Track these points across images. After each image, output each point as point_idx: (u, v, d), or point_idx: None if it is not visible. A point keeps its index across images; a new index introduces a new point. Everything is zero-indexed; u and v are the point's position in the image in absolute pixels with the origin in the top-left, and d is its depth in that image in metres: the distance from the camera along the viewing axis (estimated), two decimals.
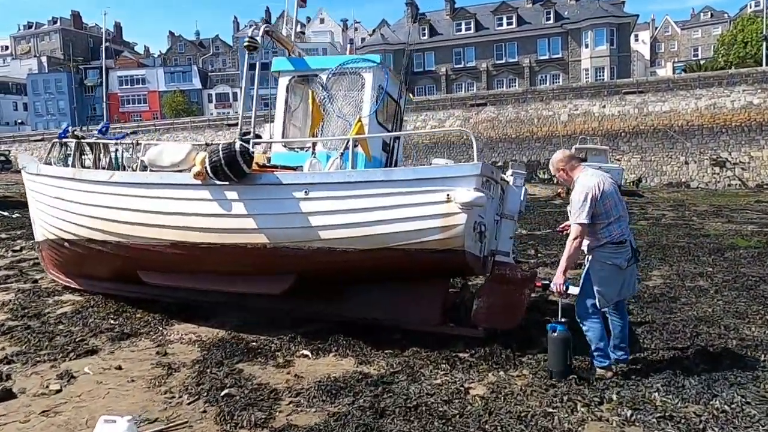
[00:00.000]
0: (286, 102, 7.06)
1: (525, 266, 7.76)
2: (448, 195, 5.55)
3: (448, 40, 67.43)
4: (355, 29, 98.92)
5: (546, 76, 63.91)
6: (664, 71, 79.62)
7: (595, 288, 5.15)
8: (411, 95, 8.63)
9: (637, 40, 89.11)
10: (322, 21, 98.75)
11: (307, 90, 6.98)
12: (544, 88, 46.52)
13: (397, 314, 6.47)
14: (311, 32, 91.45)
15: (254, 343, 6.14)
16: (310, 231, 5.86)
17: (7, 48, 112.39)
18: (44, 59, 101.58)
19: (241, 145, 5.78)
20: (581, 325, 5.31)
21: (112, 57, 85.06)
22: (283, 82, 7.11)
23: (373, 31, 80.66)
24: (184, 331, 6.74)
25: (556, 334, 5.17)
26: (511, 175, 6.32)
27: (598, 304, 5.20)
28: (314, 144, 6.68)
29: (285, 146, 7.08)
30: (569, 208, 5.27)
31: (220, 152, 5.73)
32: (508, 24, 65.75)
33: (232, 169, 5.73)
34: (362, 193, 5.69)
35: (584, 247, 5.36)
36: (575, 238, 5.02)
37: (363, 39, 79.37)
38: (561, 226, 5.97)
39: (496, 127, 42.76)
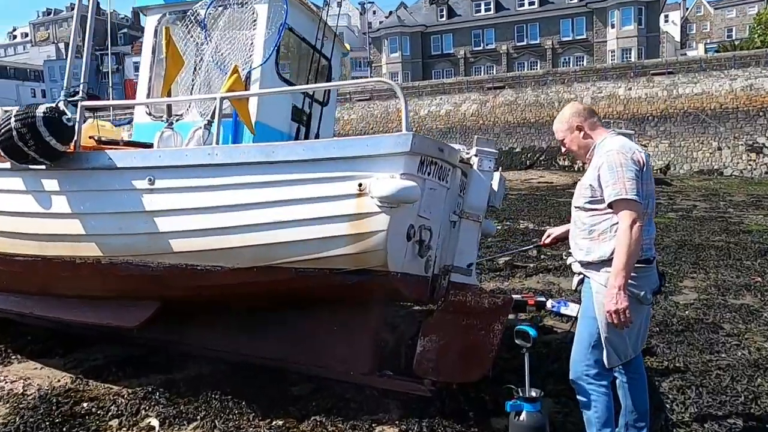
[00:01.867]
0: (154, 51, 5.03)
1: (496, 291, 5.75)
2: (360, 185, 3.52)
3: (466, 21, 64.60)
4: (373, 12, 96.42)
5: (569, 59, 60.83)
6: (696, 54, 75.81)
7: (603, 335, 3.10)
8: (347, 46, 6.53)
9: (666, 20, 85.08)
10: (339, 5, 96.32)
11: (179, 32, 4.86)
12: (566, 70, 43.91)
13: (307, 356, 4.48)
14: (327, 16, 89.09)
15: (87, 404, 4.18)
16: (158, 239, 3.88)
17: (26, 35, 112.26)
18: (62, 46, 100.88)
19: (47, 108, 3.79)
20: (577, 395, 3.27)
21: (129, 43, 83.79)
22: (152, 22, 5.08)
23: (390, 13, 78.07)
24: (16, 372, 4.83)
25: (522, 419, 3.11)
26: (475, 156, 4.25)
27: (606, 361, 3.15)
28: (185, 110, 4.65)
29: (150, 113, 5.05)
30: (580, 188, 3.28)
31: (13, 120, 3.73)
32: (530, 4, 62.59)
33: (35, 145, 3.74)
34: (229, 181, 3.68)
35: (576, 265, 3.33)
36: (633, 224, 2.94)
37: (380, 22, 76.92)
38: (549, 236, 3.92)
39: (514, 111, 40.43)
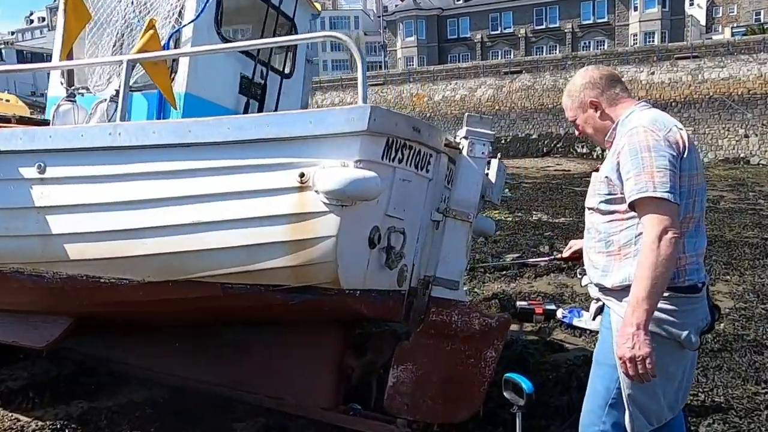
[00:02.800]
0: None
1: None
2: (301, 176, 2.64)
3: (484, 4, 62.94)
4: None
5: (589, 42, 59.12)
6: (722, 38, 73.48)
7: (626, 392, 2.21)
8: (317, 6, 5.43)
9: (692, 3, 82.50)
10: None
11: None
12: (586, 54, 42.60)
13: (258, 385, 3.64)
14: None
15: None
16: (51, 244, 3.03)
17: (43, 19, 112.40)
18: None
19: None
20: None
21: None
22: None
23: None
24: None
25: None
26: (465, 138, 3.34)
27: (629, 426, 2.24)
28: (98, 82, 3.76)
29: (65, 84, 4.15)
30: (594, 182, 2.41)
31: None
32: None
33: None
34: (135, 170, 2.82)
35: (592, 289, 2.44)
36: (662, 234, 2.06)
37: (396, 5, 75.49)
38: (570, 249, 3.02)
39: (531, 97, 39.29)
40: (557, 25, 60.51)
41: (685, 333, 2.15)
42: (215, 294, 2.88)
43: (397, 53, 63.31)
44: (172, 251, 2.82)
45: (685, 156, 2.19)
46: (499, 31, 62.75)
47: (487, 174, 3.99)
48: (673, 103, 35.16)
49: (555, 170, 25.48)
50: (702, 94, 34.88)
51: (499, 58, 57.20)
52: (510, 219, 11.74)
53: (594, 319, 2.55)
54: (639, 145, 2.15)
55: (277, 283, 2.81)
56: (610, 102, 2.39)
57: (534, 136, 37.60)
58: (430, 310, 3.39)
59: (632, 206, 2.16)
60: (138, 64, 3.37)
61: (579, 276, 2.82)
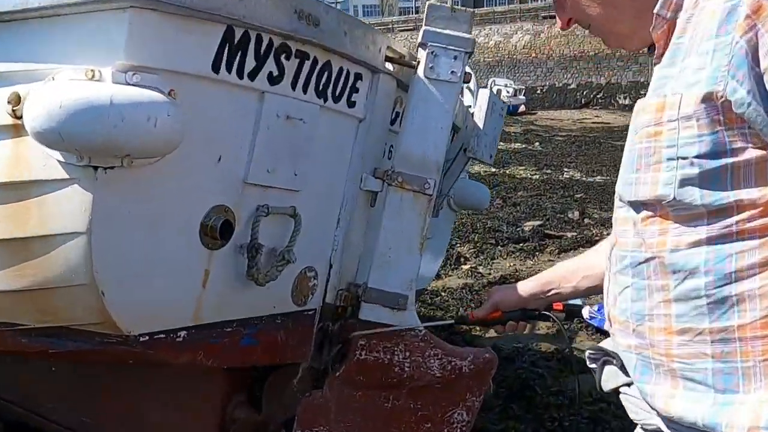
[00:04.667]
0: None
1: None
2: (15, 101, 1.21)
3: None
4: None
5: None
6: None
7: None
8: None
9: None
10: None
11: None
12: None
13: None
14: None
15: None
16: None
17: None
18: None
19: None
20: None
21: None
22: None
23: None
24: None
25: None
26: (423, 47, 1.85)
27: None
28: None
29: None
30: (649, 141, 0.94)
31: None
32: None
33: None
34: None
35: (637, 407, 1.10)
36: None
37: None
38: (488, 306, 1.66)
39: (571, 43, 37.13)
40: None
41: None
42: None
43: None
44: None
45: None
46: None
47: (471, 113, 2.53)
48: None
49: (593, 123, 23.47)
50: None
51: (538, 0, 54.00)
52: (536, 177, 10.18)
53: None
54: None
55: (10, 321, 1.46)
56: None
57: (572, 86, 35.67)
58: (356, 344, 2.00)
59: None
60: None
61: (595, 366, 1.35)
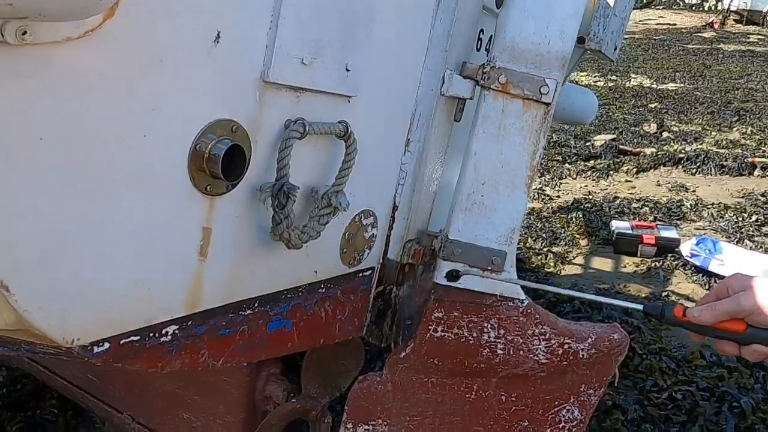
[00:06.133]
0: None
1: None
2: None
3: None
4: None
5: None
6: None
7: None
8: None
9: None
10: None
11: None
12: None
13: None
14: None
15: None
16: None
17: None
18: None
19: None
20: None
21: None
22: None
23: None
24: None
25: None
26: None
27: None
28: None
29: None
30: None
31: None
32: None
33: None
34: None
35: None
36: None
37: None
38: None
39: None
40: None
41: None
42: None
43: None
44: None
45: None
46: None
47: None
48: None
49: (657, 24, 21.55)
50: None
51: None
52: (601, 83, 9.18)
53: None
54: None
55: None
56: None
57: None
58: (430, 316, 1.42)
59: None
60: None
61: None
